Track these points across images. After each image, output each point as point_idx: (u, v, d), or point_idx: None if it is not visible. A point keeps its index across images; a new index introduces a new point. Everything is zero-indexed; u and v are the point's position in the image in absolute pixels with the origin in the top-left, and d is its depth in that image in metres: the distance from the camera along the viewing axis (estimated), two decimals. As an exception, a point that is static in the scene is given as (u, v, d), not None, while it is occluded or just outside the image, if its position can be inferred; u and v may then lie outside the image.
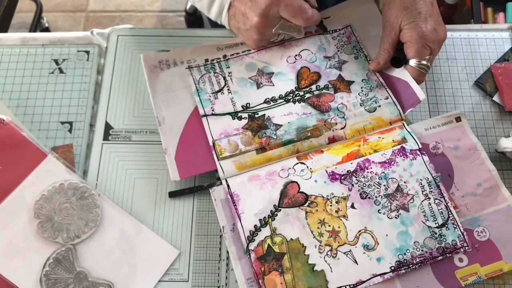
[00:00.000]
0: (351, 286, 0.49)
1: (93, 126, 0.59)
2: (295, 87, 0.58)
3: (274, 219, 0.51)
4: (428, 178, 0.52)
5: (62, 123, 0.59)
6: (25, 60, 0.62)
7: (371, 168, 0.53)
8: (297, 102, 0.57)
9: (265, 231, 0.51)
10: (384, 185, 0.52)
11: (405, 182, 0.52)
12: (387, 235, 0.50)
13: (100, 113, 0.59)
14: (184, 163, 0.54)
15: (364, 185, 0.53)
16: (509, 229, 0.51)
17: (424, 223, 0.51)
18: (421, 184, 0.52)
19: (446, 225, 0.51)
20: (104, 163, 0.57)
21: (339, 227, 0.51)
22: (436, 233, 0.50)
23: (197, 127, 0.56)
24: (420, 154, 0.54)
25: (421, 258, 0.49)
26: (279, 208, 0.52)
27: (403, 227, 0.51)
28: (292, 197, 0.52)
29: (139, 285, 0.51)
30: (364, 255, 0.50)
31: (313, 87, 0.58)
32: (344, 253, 0.50)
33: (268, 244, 0.50)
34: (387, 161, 0.54)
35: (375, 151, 0.54)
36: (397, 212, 0.51)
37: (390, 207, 0.51)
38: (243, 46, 0.61)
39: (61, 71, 0.62)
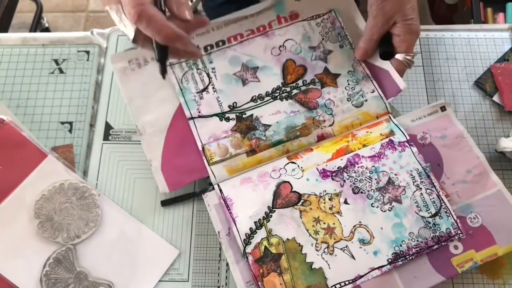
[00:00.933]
0: (350, 281, 0.49)
1: (93, 126, 0.59)
2: (281, 83, 0.58)
3: (269, 220, 0.51)
4: (418, 169, 0.53)
5: (62, 123, 0.59)
6: (25, 60, 0.62)
7: (361, 162, 0.53)
8: (284, 100, 0.57)
9: (261, 233, 0.51)
10: (375, 179, 0.53)
11: (395, 174, 0.53)
12: (382, 228, 0.51)
13: (100, 113, 0.59)
14: (172, 173, 0.53)
15: (356, 180, 0.53)
16: (500, 213, 0.52)
17: (417, 213, 0.51)
18: (412, 175, 0.53)
19: (439, 214, 0.51)
20: (104, 163, 0.57)
21: (334, 223, 0.51)
22: (430, 223, 0.51)
23: (182, 131, 0.55)
24: (408, 146, 0.54)
25: (417, 248, 0.50)
26: (273, 209, 0.51)
27: (397, 219, 0.51)
28: (285, 197, 0.52)
29: (139, 285, 0.51)
30: (361, 249, 0.50)
31: (300, 82, 0.58)
32: (340, 249, 0.50)
33: (265, 246, 0.50)
34: (376, 155, 0.54)
35: (364, 145, 0.54)
36: (390, 204, 0.52)
37: (383, 200, 0.52)
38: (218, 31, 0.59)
39: (61, 71, 0.62)
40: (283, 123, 0.56)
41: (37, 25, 1.36)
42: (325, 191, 0.52)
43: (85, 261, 0.51)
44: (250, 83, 0.58)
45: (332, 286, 0.49)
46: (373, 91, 0.57)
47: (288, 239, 0.50)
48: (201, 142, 0.55)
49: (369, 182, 0.52)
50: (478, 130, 0.59)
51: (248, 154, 0.54)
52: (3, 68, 0.61)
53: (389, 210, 0.51)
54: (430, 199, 0.51)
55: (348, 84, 0.57)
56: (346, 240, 0.50)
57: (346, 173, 0.53)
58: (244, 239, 0.50)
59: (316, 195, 0.52)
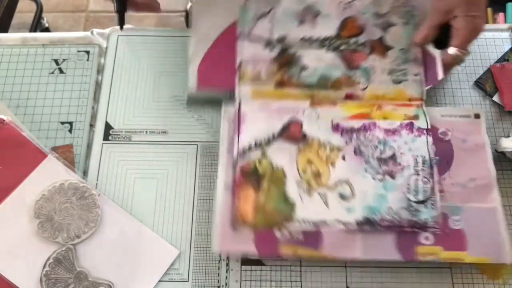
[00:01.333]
0: (313, 222, 0.50)
1: (93, 126, 0.59)
2: (335, 34, 0.59)
3: (269, 146, 0.54)
4: (424, 157, 0.53)
5: (62, 123, 0.59)
6: (25, 60, 0.62)
7: (375, 131, 0.54)
8: (330, 51, 0.58)
9: (257, 153, 0.53)
10: (380, 150, 0.54)
11: (401, 153, 0.53)
12: (365, 192, 0.52)
13: (100, 113, 0.59)
14: (206, 74, 0.57)
15: (362, 143, 0.54)
16: (484, 228, 0.51)
17: (404, 194, 0.52)
18: (416, 160, 0.53)
19: (425, 203, 0.51)
20: (104, 163, 0.57)
21: (323, 171, 0.53)
22: (412, 207, 0.51)
23: (228, 44, 0.58)
24: (425, 134, 0.54)
25: (389, 223, 0.50)
26: (276, 139, 0.54)
27: (383, 191, 0.52)
28: (292, 133, 0.54)
29: (139, 285, 0.51)
30: (337, 202, 0.51)
31: (352, 40, 0.58)
32: (319, 194, 0.52)
33: (255, 164, 0.52)
34: (391, 130, 0.55)
35: (385, 118, 0.55)
36: (383, 176, 0.52)
37: (378, 170, 0.53)
38: None
39: (61, 71, 0.62)
40: (320, 71, 0.57)
41: (37, 25, 1.35)
42: (329, 142, 0.54)
43: (85, 261, 0.51)
44: (306, 25, 0.59)
45: (296, 219, 0.50)
46: (416, 75, 0.57)
47: (277, 167, 0.53)
48: (240, 60, 0.57)
49: (373, 150, 0.54)
50: (478, 130, 0.59)
51: (277, 86, 0.56)
52: (3, 68, 0.61)
53: (379, 181, 0.52)
54: (423, 188, 0.52)
55: (395, 60, 0.58)
56: (328, 189, 0.52)
57: (356, 134, 0.54)
58: (240, 152, 0.53)
59: (319, 141, 0.54)
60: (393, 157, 0.53)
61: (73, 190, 0.53)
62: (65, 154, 0.57)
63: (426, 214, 0.51)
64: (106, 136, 0.58)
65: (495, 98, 0.60)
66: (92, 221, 0.52)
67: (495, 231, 0.51)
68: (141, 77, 0.61)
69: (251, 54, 0.57)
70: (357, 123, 0.55)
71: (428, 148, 0.54)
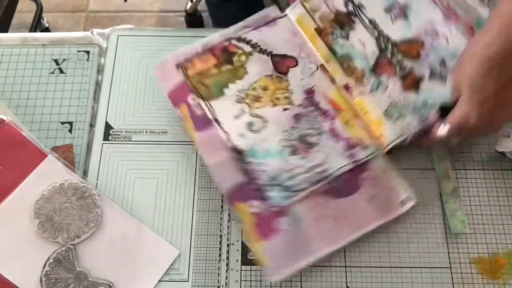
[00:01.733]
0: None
1: (93, 126, 0.59)
2: (398, 42, 0.56)
3: (257, 53, 0.59)
4: (328, 170, 0.54)
5: (62, 123, 0.59)
6: (25, 60, 0.62)
7: (324, 120, 0.56)
8: (377, 47, 0.57)
9: (245, 48, 0.59)
10: (309, 133, 0.55)
11: (319, 150, 0.54)
12: (268, 139, 0.54)
13: (100, 113, 0.59)
14: None
15: (308, 113, 0.56)
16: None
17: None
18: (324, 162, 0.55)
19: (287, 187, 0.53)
20: (104, 163, 0.57)
21: (263, 102, 0.57)
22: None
23: None
24: (347, 145, 0.55)
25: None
26: (268, 56, 0.59)
27: (282, 154, 0.54)
28: (282, 65, 0.59)
29: (139, 285, 0.51)
30: (245, 127, 0.55)
31: (403, 57, 0.56)
32: (243, 109, 0.56)
33: (236, 52, 0.59)
34: (337, 135, 0.55)
35: (345, 124, 0.55)
36: (291, 148, 0.54)
37: (293, 141, 0.55)
38: None
39: (61, 71, 0.62)
40: (353, 50, 0.58)
41: (37, 25, 1.35)
42: (293, 92, 0.57)
43: (85, 261, 0.51)
44: (390, 15, 0.58)
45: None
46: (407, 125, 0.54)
47: (246, 67, 0.59)
48: None
49: (306, 129, 0.55)
50: (478, 130, 0.59)
51: (316, 30, 0.60)
52: (3, 68, 0.61)
53: (286, 147, 0.55)
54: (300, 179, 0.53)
55: (407, 102, 0.54)
56: (250, 114, 0.56)
57: (314, 108, 0.56)
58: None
59: (288, 86, 0.58)
60: (311, 144, 0.54)
61: (73, 190, 0.53)
62: (65, 154, 0.57)
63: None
64: (106, 136, 0.58)
65: (495, 98, 0.60)
66: (92, 221, 0.52)
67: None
68: (141, 77, 0.61)
69: None
70: (325, 107, 0.56)
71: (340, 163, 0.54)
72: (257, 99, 0.57)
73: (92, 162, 0.57)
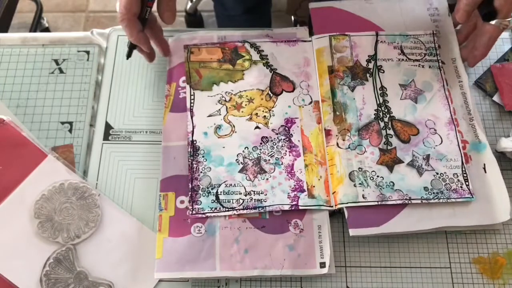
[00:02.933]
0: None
1: (93, 126, 0.59)
2: (396, 118, 0.56)
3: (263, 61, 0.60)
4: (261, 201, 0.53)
5: (62, 123, 0.59)
6: (25, 60, 0.62)
7: (281, 150, 0.55)
8: (383, 121, 0.56)
9: (253, 54, 0.60)
10: (264, 158, 0.54)
11: (271, 176, 0.54)
12: (224, 158, 0.55)
13: (100, 113, 0.59)
14: None
15: (271, 141, 0.56)
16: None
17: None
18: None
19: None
20: (104, 163, 0.57)
21: (241, 111, 0.57)
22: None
23: None
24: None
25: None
26: (272, 72, 0.59)
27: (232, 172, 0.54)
28: (278, 82, 0.58)
29: (139, 285, 0.51)
30: (212, 131, 0.56)
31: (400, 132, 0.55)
32: (220, 111, 0.57)
33: (246, 54, 0.60)
34: (285, 166, 0.54)
35: (306, 166, 0.54)
36: (244, 168, 0.54)
37: (247, 162, 0.54)
38: None
39: (61, 71, 0.62)
40: (351, 104, 0.56)
41: (37, 25, 1.35)
42: (274, 114, 0.57)
43: (85, 261, 0.51)
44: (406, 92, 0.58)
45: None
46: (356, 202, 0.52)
47: (245, 71, 0.59)
48: None
49: (264, 153, 0.55)
50: (478, 130, 0.59)
51: (329, 68, 0.59)
52: (3, 68, 0.61)
53: (239, 164, 0.54)
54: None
55: (379, 183, 0.52)
56: (224, 119, 0.56)
57: (284, 135, 0.56)
58: None
59: (274, 107, 0.57)
60: (263, 171, 0.54)
61: (73, 190, 0.53)
62: (65, 154, 0.57)
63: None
64: (106, 136, 0.58)
65: (495, 98, 0.60)
66: (92, 221, 0.52)
67: None
68: (141, 77, 0.61)
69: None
70: (295, 142, 0.55)
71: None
72: (238, 107, 0.57)
73: (92, 162, 0.57)
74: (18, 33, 0.65)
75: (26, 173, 0.53)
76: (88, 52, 0.63)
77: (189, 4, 1.45)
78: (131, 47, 0.58)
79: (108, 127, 0.59)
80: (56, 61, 0.62)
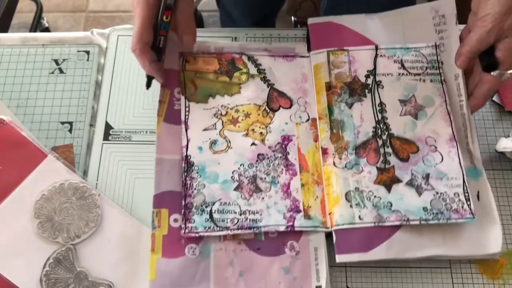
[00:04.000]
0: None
1: (93, 126, 0.59)
2: (394, 135, 0.55)
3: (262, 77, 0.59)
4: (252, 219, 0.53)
5: (62, 123, 0.59)
6: (25, 60, 0.62)
7: (278, 167, 0.54)
8: (375, 132, 0.55)
9: (251, 68, 0.59)
10: (260, 177, 0.53)
11: (267, 195, 0.53)
12: (219, 174, 0.53)
13: (100, 113, 0.59)
14: None
15: (266, 158, 0.54)
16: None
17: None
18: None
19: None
20: (104, 163, 0.57)
21: (238, 126, 0.56)
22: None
23: None
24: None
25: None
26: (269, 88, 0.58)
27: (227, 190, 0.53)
28: (275, 98, 0.57)
29: (139, 285, 0.51)
30: (208, 146, 0.54)
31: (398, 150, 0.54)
32: (216, 125, 0.56)
33: (243, 67, 0.59)
34: (281, 184, 0.53)
35: (303, 186, 0.53)
36: (239, 187, 0.53)
37: (243, 179, 0.53)
38: None
39: (61, 71, 0.62)
40: (351, 123, 0.55)
41: (37, 25, 1.36)
42: (271, 130, 0.56)
43: (85, 261, 0.51)
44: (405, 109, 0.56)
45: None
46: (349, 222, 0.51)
47: (242, 86, 0.58)
48: None
49: (259, 171, 0.54)
50: (478, 130, 0.59)
51: (327, 85, 0.58)
52: (3, 68, 0.61)
53: (234, 181, 0.53)
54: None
55: (375, 205, 0.51)
56: (219, 134, 0.55)
57: (281, 151, 0.55)
58: None
59: (272, 125, 0.56)
60: (259, 189, 0.53)
61: (73, 190, 0.53)
62: (65, 154, 0.57)
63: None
64: (106, 136, 0.58)
65: (495, 98, 0.60)
66: (92, 221, 0.52)
67: None
68: (141, 77, 0.61)
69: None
70: (292, 160, 0.54)
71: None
72: (234, 121, 0.56)
73: (92, 162, 0.57)
74: (18, 33, 0.65)
75: (26, 173, 0.53)
76: (88, 52, 0.63)
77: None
78: (149, 77, 0.55)
79: (108, 127, 0.59)
80: (56, 61, 0.62)
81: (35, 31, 1.34)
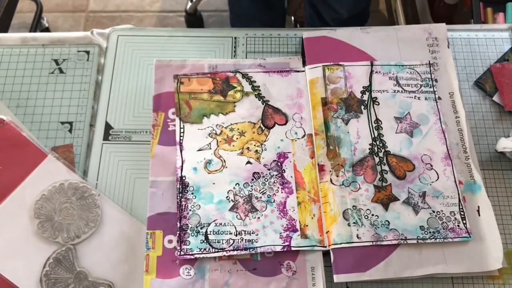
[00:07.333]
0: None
1: (93, 126, 0.59)
2: (391, 153, 0.55)
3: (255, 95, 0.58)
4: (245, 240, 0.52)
5: (62, 123, 0.59)
6: (25, 60, 0.62)
7: (273, 186, 0.54)
8: (378, 157, 0.54)
9: (245, 86, 0.58)
10: (255, 195, 0.53)
11: (262, 214, 0.52)
12: (214, 195, 0.53)
13: (100, 113, 0.59)
14: None
15: (261, 176, 0.54)
16: None
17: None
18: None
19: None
20: (104, 163, 0.57)
21: (233, 146, 0.55)
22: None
23: None
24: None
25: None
26: (262, 106, 0.58)
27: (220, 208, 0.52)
28: (270, 114, 0.57)
29: (139, 285, 0.51)
30: (202, 167, 0.54)
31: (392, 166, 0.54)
32: (211, 145, 0.55)
33: (237, 84, 0.58)
34: (277, 203, 0.53)
35: (299, 203, 0.53)
36: (234, 206, 0.53)
37: (238, 199, 0.53)
38: None
39: (61, 71, 0.62)
40: (347, 139, 0.55)
41: (37, 25, 1.35)
42: (266, 148, 0.55)
43: (85, 261, 0.51)
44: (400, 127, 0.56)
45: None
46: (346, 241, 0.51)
47: (236, 104, 0.58)
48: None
49: (255, 190, 0.53)
50: (478, 130, 0.59)
51: (323, 100, 0.57)
52: (3, 68, 0.61)
53: (229, 201, 0.53)
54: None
55: (372, 223, 0.51)
56: (214, 155, 0.55)
57: (276, 170, 0.54)
58: None
59: (267, 143, 0.55)
60: (254, 209, 0.52)
61: (73, 190, 0.53)
62: (65, 154, 0.57)
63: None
64: (106, 136, 0.58)
65: (495, 98, 0.60)
66: (92, 221, 0.52)
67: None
68: (141, 77, 0.61)
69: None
70: (288, 178, 0.53)
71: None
72: (229, 140, 0.55)
73: (92, 162, 0.57)
74: (18, 33, 0.65)
75: (26, 173, 0.53)
76: (88, 52, 0.63)
77: (189, 4, 1.45)
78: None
79: (108, 127, 0.59)
80: (56, 61, 0.62)
81: (35, 31, 1.34)
